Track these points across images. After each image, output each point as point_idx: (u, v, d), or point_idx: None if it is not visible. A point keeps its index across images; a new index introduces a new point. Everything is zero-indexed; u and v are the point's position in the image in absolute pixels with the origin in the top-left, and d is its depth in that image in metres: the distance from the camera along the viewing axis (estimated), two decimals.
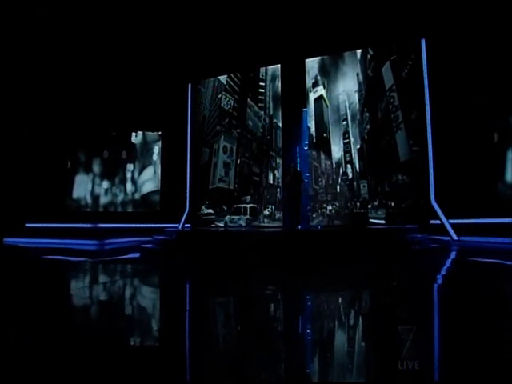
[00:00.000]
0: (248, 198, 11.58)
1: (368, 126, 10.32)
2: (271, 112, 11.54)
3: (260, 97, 11.78)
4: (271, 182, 11.33)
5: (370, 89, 10.40)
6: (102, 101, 13.08)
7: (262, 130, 11.61)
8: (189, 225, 12.56)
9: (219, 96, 12.42)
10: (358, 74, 10.57)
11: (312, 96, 11.10)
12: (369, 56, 10.42)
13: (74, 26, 11.61)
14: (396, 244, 7.18)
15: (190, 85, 13.09)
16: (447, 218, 9.34)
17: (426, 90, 9.88)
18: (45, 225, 11.91)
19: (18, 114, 12.34)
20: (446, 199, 9.26)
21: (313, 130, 10.98)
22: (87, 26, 11.60)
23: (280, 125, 11.36)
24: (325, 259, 6.29)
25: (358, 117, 10.44)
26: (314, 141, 10.94)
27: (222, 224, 11.94)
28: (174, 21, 11.38)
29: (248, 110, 11.86)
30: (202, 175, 12.44)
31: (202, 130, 12.69)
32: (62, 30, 11.72)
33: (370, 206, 10.06)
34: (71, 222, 12.39)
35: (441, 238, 8.82)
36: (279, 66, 11.58)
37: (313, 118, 11.00)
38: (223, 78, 12.42)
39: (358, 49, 10.54)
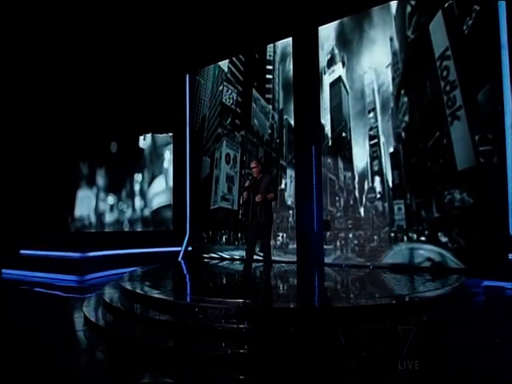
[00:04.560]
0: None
1: (406, 118, 6.73)
2: (281, 105, 8.49)
3: (267, 85, 8.77)
4: (282, 200, 8.30)
5: (410, 59, 6.79)
6: (101, 103, 11.30)
7: (270, 131, 8.60)
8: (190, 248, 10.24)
9: (220, 88, 9.71)
10: (391, 40, 7.00)
11: (327, 79, 7.80)
12: (409, 8, 6.80)
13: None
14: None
15: (187, 76, 10.65)
16: None
17: (505, 52, 6.03)
18: (40, 252, 10.20)
19: (12, 126, 11.14)
20: None
21: (328, 128, 7.66)
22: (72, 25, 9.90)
23: (292, 123, 8.28)
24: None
25: (392, 104, 6.89)
26: (330, 143, 7.63)
27: (227, 255, 9.28)
28: None
29: (253, 105, 8.95)
30: (202, 192, 9.92)
31: (201, 134, 10.16)
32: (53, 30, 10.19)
33: (406, 238, 6.49)
34: (72, 245, 10.73)
35: None
36: (291, 39, 8.48)
37: (328, 110, 7.69)
38: (224, 65, 9.69)
39: None
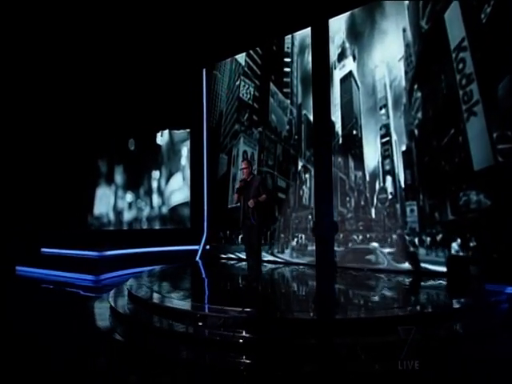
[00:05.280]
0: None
1: (419, 114, 6.35)
2: (299, 100, 8.19)
3: (285, 79, 8.48)
4: (300, 200, 8.06)
5: (423, 52, 6.38)
6: (118, 100, 11.27)
7: (288, 127, 8.35)
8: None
9: (237, 83, 9.51)
10: (404, 31, 6.60)
11: (338, 74, 7.47)
12: None
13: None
14: None
15: (204, 70, 10.49)
16: None
17: None
18: (59, 251, 10.46)
19: (29, 126, 11.34)
20: None
21: (338, 125, 7.36)
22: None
23: (311, 118, 7.98)
24: None
25: (405, 100, 6.51)
26: (340, 141, 7.32)
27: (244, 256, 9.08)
28: None
29: (271, 100, 8.69)
30: (220, 190, 9.79)
31: (218, 130, 10.01)
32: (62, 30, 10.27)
33: (417, 241, 6.16)
34: (91, 243, 10.89)
35: None
36: (309, 30, 8.04)
37: (338, 106, 7.37)
38: (241, 58, 9.45)
39: None
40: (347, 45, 7.32)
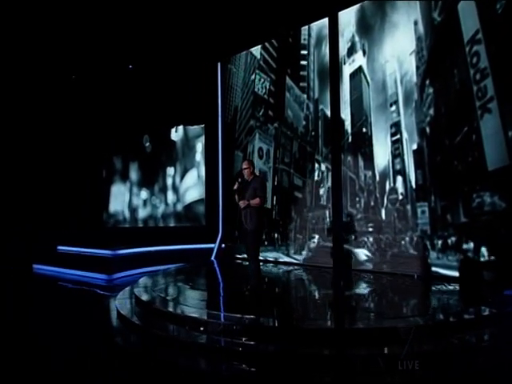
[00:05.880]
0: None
1: (431, 111, 6.06)
2: (316, 94, 7.89)
3: (302, 72, 8.20)
4: (317, 199, 7.86)
5: (436, 45, 6.07)
6: (133, 95, 11.25)
7: (304, 123, 8.11)
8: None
9: (252, 77, 9.28)
10: (416, 23, 6.29)
11: (347, 69, 7.22)
12: None
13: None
14: None
15: (219, 64, 10.34)
16: None
17: None
18: (74, 248, 10.57)
19: (47, 126, 11.53)
20: None
21: (348, 123, 7.13)
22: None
23: (328, 113, 7.64)
24: None
25: (416, 96, 6.23)
26: (350, 140, 7.11)
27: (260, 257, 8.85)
28: None
29: (287, 95, 8.44)
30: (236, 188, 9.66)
31: (233, 126, 9.88)
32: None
33: (428, 244, 5.94)
34: (106, 241, 10.86)
35: None
36: (327, 20, 7.67)
37: (348, 103, 7.13)
38: (257, 51, 9.21)
39: None
40: (357, 39, 7.05)
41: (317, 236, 7.78)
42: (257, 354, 3.47)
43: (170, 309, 4.50)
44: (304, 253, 7.96)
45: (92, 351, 4.09)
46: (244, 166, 5.07)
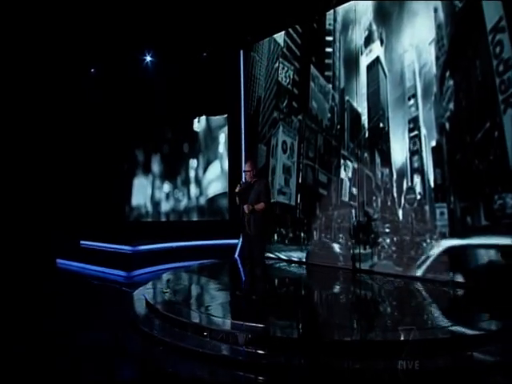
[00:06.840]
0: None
1: (451, 106, 5.66)
2: (342, 84, 7.41)
3: (327, 60, 7.73)
4: (343, 197, 7.38)
5: (457, 34, 5.62)
6: (154, 86, 11.18)
7: (329, 116, 7.67)
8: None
9: (276, 66, 8.90)
10: (435, 11, 5.83)
11: (364, 60, 6.85)
12: None
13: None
14: None
15: (241, 52, 9.98)
16: None
17: None
18: (96, 244, 10.58)
19: (68, 122, 11.75)
20: None
21: (364, 117, 6.81)
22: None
23: (355, 105, 7.14)
24: None
25: (435, 89, 5.83)
26: (366, 135, 6.80)
27: (284, 256, 8.48)
28: None
29: (312, 85, 7.98)
30: None
31: (257, 118, 9.61)
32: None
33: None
34: (128, 236, 10.86)
35: None
36: (353, 3, 7.09)
37: (364, 96, 6.80)
38: (280, 38, 8.79)
39: None
40: (374, 27, 6.66)
41: (342, 235, 7.41)
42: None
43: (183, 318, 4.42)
44: (325, 253, 7.67)
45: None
46: (246, 168, 4.94)
